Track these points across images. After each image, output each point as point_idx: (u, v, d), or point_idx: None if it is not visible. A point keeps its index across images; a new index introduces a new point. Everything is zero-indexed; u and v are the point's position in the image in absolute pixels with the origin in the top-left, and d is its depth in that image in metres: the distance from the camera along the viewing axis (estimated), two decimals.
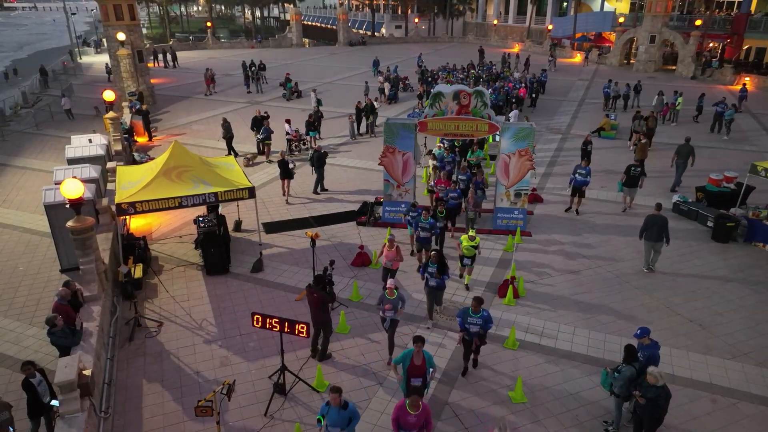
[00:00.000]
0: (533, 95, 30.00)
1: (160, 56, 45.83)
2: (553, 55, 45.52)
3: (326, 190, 18.06)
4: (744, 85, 31.20)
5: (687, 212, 16.09)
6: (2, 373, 9.62)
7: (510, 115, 23.66)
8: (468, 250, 11.99)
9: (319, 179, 17.91)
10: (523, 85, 29.97)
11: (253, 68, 35.96)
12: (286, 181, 17.18)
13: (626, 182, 16.22)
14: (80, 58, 50.41)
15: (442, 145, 19.04)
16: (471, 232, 12.09)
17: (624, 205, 16.75)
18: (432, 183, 16.97)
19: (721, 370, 9.80)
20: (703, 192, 16.64)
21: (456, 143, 19.30)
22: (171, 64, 45.59)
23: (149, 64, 36.41)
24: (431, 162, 18.24)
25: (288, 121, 22.28)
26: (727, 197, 16.22)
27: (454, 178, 16.89)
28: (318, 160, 17.60)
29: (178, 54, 47.49)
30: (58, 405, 7.37)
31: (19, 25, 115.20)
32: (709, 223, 15.15)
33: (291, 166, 17.23)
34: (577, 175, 15.84)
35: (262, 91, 34.49)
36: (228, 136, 21.50)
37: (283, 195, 17.40)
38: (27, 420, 8.01)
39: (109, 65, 34.19)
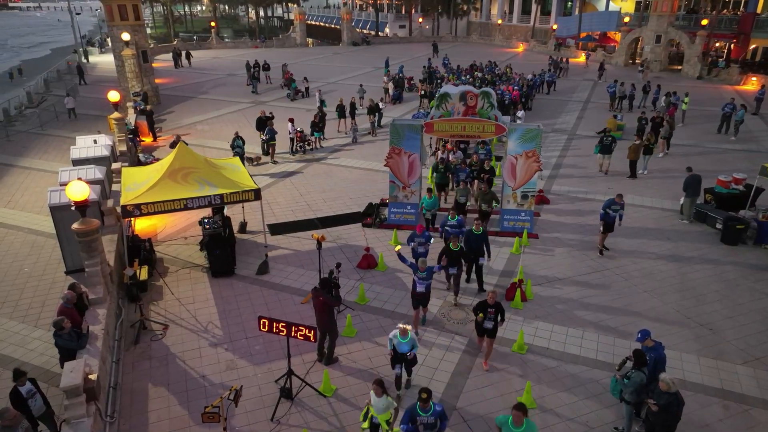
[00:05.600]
0: (523, 99, 29.07)
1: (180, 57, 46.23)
2: (643, 64, 40.38)
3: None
4: (763, 86, 30.51)
5: (696, 214, 15.93)
6: (7, 375, 9.55)
7: (518, 114, 23.45)
8: None
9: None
10: (517, 87, 29.51)
11: (257, 68, 35.93)
12: (342, 121, 24.81)
13: (601, 150, 19.15)
14: (84, 59, 50.44)
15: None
16: None
17: (601, 169, 19.39)
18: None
19: (732, 376, 9.68)
20: (712, 194, 16.46)
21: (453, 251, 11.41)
22: (186, 62, 45.94)
23: (154, 64, 36.39)
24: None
25: (291, 121, 22.20)
26: (736, 199, 16.06)
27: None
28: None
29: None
30: None
31: (54, 25, 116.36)
32: (718, 226, 14.98)
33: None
34: (610, 211, 13.52)
35: (257, 91, 34.27)
36: None
37: (338, 131, 24.75)
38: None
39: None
